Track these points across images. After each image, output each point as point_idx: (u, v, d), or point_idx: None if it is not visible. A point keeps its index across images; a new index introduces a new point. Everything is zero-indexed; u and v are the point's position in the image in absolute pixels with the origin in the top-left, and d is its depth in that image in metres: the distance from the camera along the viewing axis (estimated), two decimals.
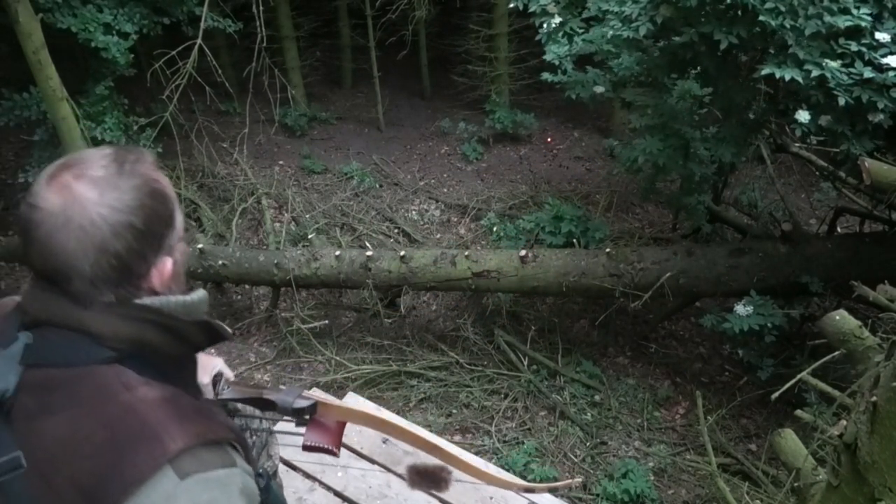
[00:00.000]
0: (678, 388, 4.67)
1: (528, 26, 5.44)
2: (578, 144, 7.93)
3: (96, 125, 5.41)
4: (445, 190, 7.16)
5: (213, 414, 0.97)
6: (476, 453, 3.74)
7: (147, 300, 0.93)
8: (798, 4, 3.19)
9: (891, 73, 3.08)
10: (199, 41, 5.32)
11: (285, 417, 1.36)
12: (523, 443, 4.16)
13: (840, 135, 3.43)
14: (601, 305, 4.94)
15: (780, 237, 4.48)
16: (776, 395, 2.09)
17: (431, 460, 1.66)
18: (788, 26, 3.19)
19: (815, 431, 2.12)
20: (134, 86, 6.21)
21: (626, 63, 4.45)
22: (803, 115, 3.42)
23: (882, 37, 3.16)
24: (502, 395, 4.57)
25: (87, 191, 0.87)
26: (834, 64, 3.16)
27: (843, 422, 1.68)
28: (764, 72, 3.30)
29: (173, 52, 5.27)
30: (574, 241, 4.93)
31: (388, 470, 2.73)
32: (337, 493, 2.65)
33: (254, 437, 1.49)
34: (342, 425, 1.40)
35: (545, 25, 4.30)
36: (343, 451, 2.16)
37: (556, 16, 4.23)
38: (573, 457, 4.13)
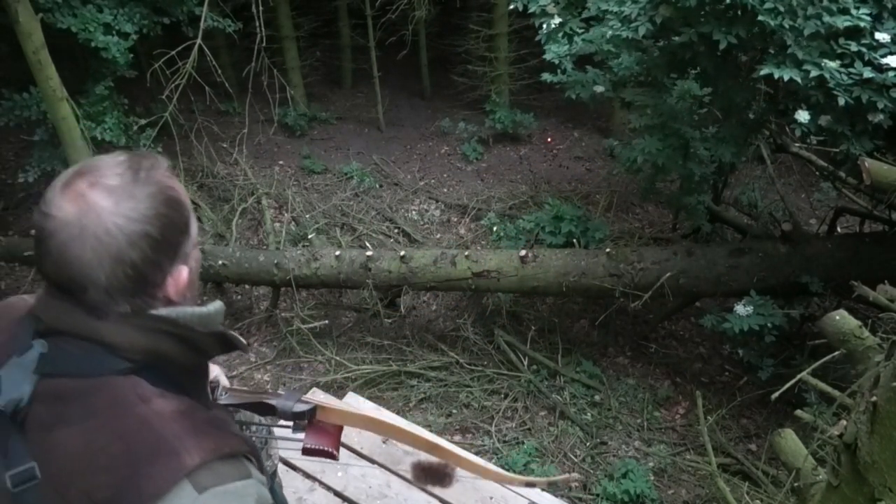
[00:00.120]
0: (678, 388, 4.67)
1: (528, 26, 5.43)
2: (578, 144, 7.93)
3: (96, 125, 5.41)
4: (445, 190, 7.16)
5: (227, 425, 0.98)
6: (476, 453, 3.75)
7: (163, 311, 0.92)
8: (797, 4, 3.19)
9: (890, 73, 3.08)
10: (198, 41, 5.33)
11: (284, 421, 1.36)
12: (523, 443, 4.16)
13: (840, 135, 3.44)
14: (601, 305, 4.94)
15: (780, 237, 4.48)
16: (776, 395, 2.09)
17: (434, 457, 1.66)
18: (787, 26, 3.20)
19: (815, 431, 2.12)
20: (134, 86, 6.22)
21: (626, 63, 4.45)
22: (803, 115, 3.42)
23: (882, 37, 3.16)
24: (502, 395, 4.57)
25: (102, 199, 0.85)
26: (833, 64, 3.17)
27: (843, 422, 1.68)
28: (763, 72, 3.30)
29: (173, 52, 5.28)
30: (574, 241, 4.93)
31: (389, 470, 2.73)
32: (337, 493, 2.65)
33: (253, 438, 1.48)
34: (341, 428, 1.40)
35: (545, 25, 4.32)
36: (343, 450, 2.15)
37: (556, 16, 4.24)
38: (573, 457, 4.13)
